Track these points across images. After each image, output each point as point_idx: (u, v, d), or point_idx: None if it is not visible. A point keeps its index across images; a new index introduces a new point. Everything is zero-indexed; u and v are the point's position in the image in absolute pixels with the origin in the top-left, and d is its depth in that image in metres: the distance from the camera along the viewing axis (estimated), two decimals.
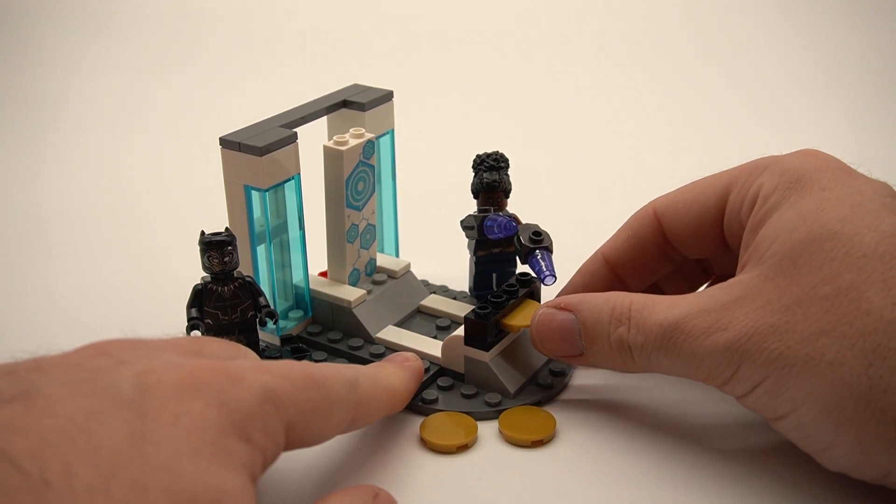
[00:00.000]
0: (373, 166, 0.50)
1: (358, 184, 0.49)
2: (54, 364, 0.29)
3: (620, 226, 0.48)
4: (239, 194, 0.47)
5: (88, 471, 0.24)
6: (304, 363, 0.35)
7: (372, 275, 0.53)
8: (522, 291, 0.47)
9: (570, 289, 0.49)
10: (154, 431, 0.27)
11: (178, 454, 0.26)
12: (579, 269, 0.49)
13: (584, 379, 0.47)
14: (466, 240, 0.52)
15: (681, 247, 0.46)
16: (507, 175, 0.51)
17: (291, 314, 0.51)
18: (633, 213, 0.47)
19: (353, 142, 0.48)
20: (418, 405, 0.44)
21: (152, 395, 0.28)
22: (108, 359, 0.30)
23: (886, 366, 0.33)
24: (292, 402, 0.32)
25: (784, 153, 0.42)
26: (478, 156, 0.51)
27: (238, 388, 0.30)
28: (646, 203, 0.47)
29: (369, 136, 0.49)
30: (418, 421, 0.43)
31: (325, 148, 0.48)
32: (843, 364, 0.34)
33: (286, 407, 0.32)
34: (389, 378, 0.41)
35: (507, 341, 0.46)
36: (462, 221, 0.50)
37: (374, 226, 0.52)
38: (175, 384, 0.29)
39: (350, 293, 0.50)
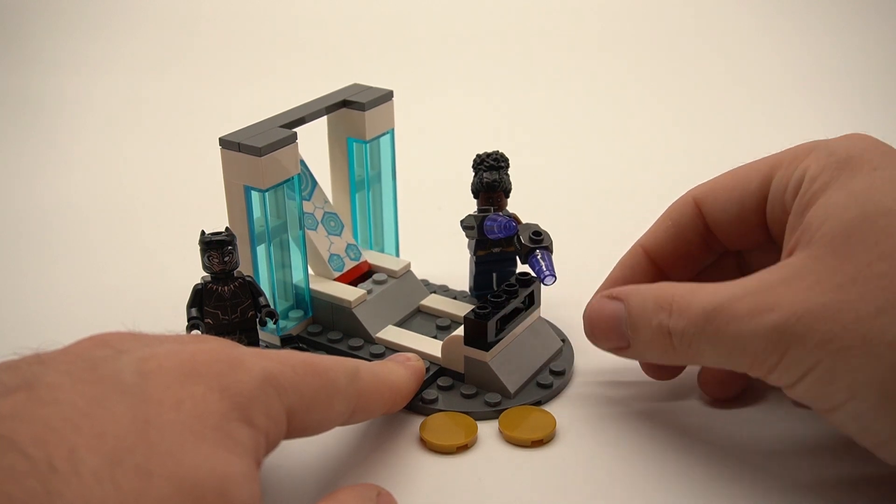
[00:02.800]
0: (301, 159, 0.50)
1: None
2: (55, 356, 0.29)
3: (659, 216, 0.46)
4: (239, 195, 0.47)
5: (94, 456, 0.24)
6: (305, 353, 0.35)
7: (357, 259, 0.53)
8: (523, 291, 0.47)
9: (609, 283, 0.46)
10: (157, 416, 0.27)
11: (182, 440, 0.26)
12: (619, 262, 0.46)
13: (585, 379, 0.47)
14: (467, 239, 0.52)
15: (721, 236, 0.44)
16: (508, 175, 0.51)
17: (291, 314, 0.51)
18: (671, 203, 0.45)
19: None
20: (418, 405, 0.44)
21: (154, 381, 0.28)
22: (108, 349, 0.30)
23: None
24: (293, 386, 0.32)
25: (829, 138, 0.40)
26: (478, 155, 0.51)
27: (239, 372, 0.30)
28: (673, 196, 0.45)
29: None
30: (418, 421, 0.43)
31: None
32: None
33: (287, 391, 0.32)
34: (391, 374, 0.41)
35: (508, 341, 0.46)
36: (462, 221, 0.50)
37: (333, 214, 0.52)
38: (176, 369, 0.29)
39: (350, 293, 0.50)
